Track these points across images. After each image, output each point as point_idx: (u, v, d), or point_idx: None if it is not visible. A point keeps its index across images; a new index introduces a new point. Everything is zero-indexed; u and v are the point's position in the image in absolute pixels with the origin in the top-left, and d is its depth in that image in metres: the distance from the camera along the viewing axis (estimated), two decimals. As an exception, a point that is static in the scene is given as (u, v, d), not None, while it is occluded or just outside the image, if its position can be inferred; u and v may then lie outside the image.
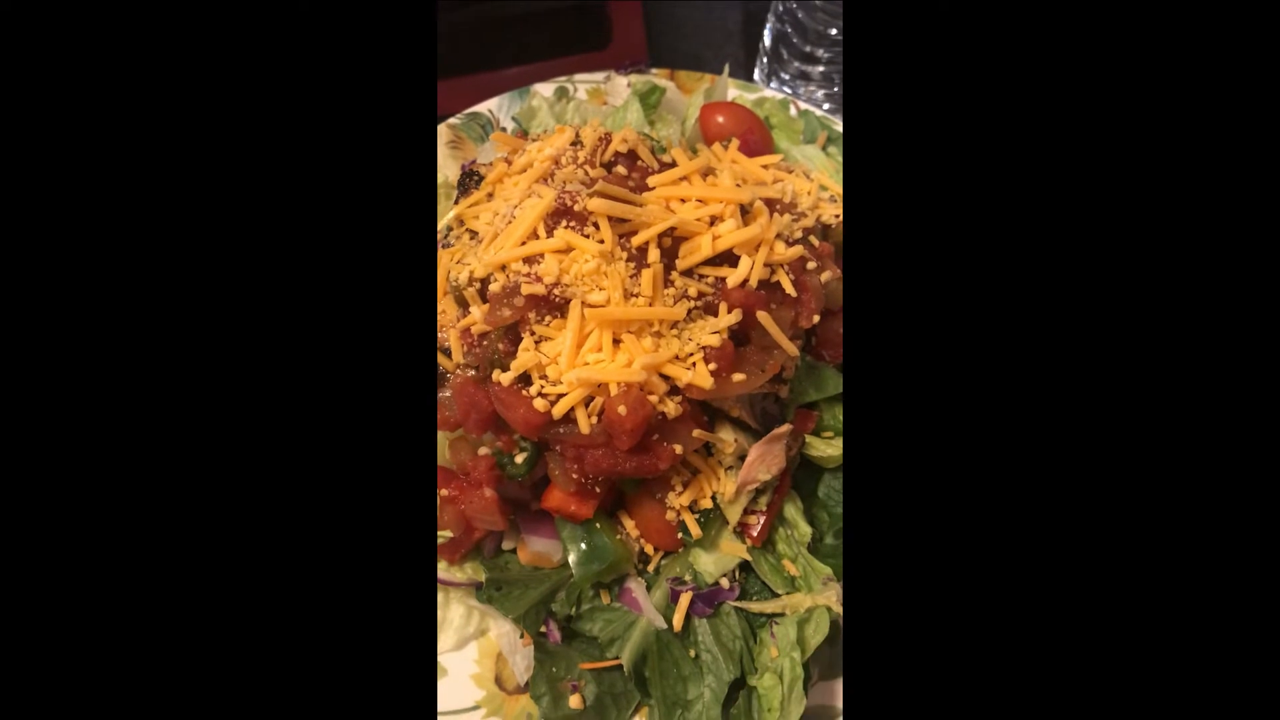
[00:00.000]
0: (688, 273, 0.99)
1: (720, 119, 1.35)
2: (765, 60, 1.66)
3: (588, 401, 0.93)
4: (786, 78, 1.68)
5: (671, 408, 0.94)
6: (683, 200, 1.01)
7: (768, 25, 1.64)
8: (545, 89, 1.48)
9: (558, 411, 0.93)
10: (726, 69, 1.44)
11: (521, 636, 1.09)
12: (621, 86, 1.47)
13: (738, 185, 1.02)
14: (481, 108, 1.48)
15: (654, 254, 0.95)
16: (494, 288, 0.96)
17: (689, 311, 0.97)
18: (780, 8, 1.55)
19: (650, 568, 1.08)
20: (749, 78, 1.76)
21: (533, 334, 0.95)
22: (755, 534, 1.06)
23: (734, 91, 1.46)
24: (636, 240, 0.95)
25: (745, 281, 0.96)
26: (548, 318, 0.95)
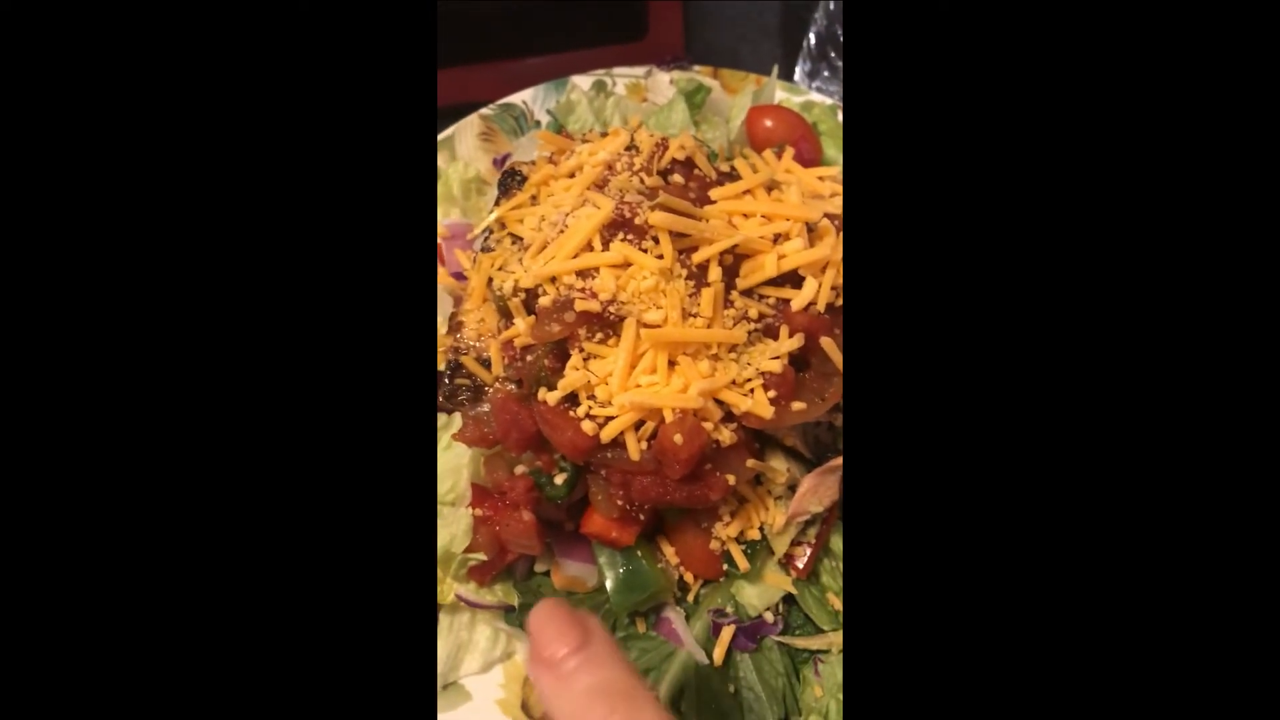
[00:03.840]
0: (748, 293, 0.93)
1: (769, 123, 1.29)
2: (809, 61, 1.60)
3: (638, 426, 0.88)
4: (827, 74, 1.62)
5: (726, 436, 0.89)
6: (745, 215, 0.95)
7: (814, 22, 1.57)
8: (583, 82, 1.41)
9: (606, 435, 0.87)
10: (775, 69, 1.37)
11: (551, 663, 1.04)
12: (664, 83, 1.41)
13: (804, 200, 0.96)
14: (515, 99, 1.41)
15: (715, 272, 0.90)
16: (543, 301, 0.90)
17: (748, 334, 0.91)
18: (831, 5, 1.49)
19: (690, 597, 1.03)
20: (788, 78, 1.70)
21: (581, 351, 0.90)
22: (801, 566, 1.01)
23: (780, 94, 1.40)
24: (697, 257, 0.90)
25: (810, 304, 0.91)
26: (599, 335, 0.90)
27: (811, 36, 1.59)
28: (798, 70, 1.67)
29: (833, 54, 1.53)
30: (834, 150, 1.34)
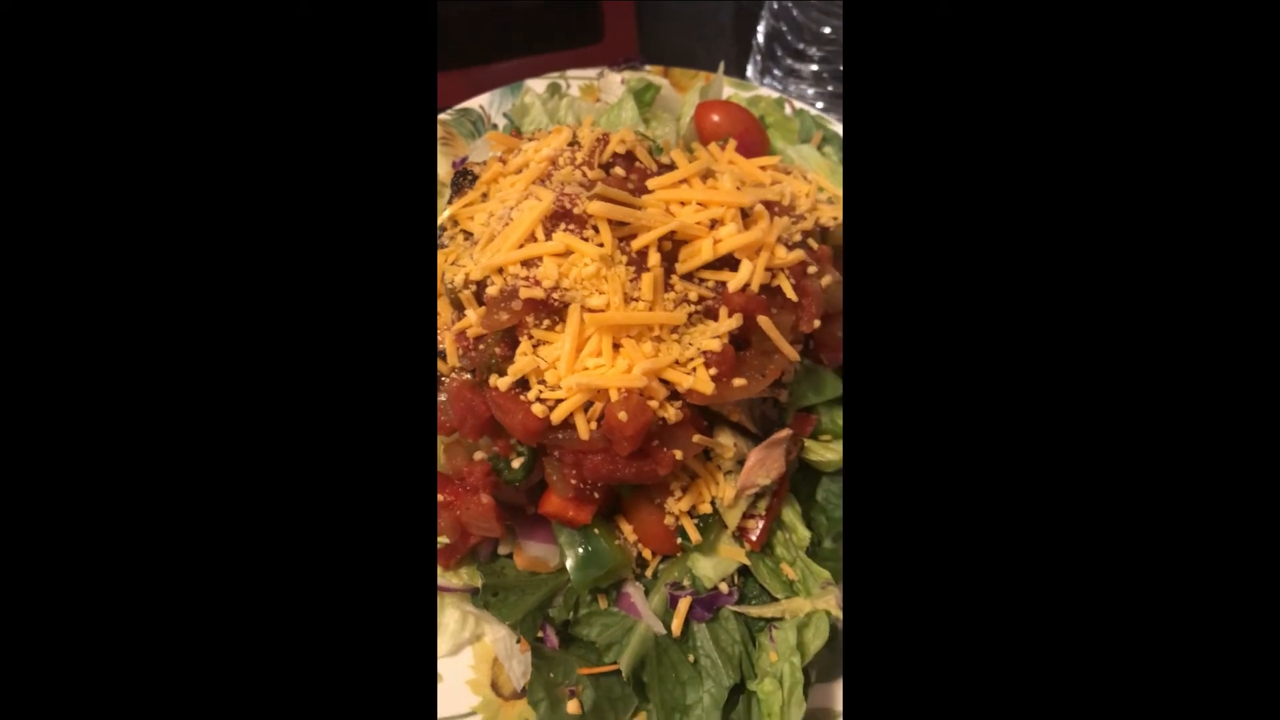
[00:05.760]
0: (687, 276, 0.98)
1: (716, 118, 1.34)
2: (759, 58, 1.65)
3: (587, 407, 0.92)
4: (779, 74, 1.67)
5: (671, 413, 0.93)
6: (682, 203, 0.99)
7: (761, 22, 1.62)
8: (538, 85, 1.46)
9: (556, 417, 0.91)
10: (721, 66, 1.42)
11: (519, 641, 1.08)
12: (615, 83, 1.45)
13: (738, 188, 1.01)
14: (473, 103, 1.46)
15: (654, 258, 0.94)
16: (491, 291, 0.95)
17: (689, 316, 0.96)
18: (775, 5, 1.54)
19: (648, 572, 1.07)
20: (741, 75, 1.75)
21: (530, 338, 0.94)
22: (754, 538, 1.05)
23: (729, 90, 1.45)
24: (636, 244, 0.94)
25: (746, 286, 0.95)
26: (546, 322, 0.94)
27: (760, 36, 1.64)
28: (750, 67, 1.72)
29: (779, 51, 1.58)
30: (781, 141, 1.39)
